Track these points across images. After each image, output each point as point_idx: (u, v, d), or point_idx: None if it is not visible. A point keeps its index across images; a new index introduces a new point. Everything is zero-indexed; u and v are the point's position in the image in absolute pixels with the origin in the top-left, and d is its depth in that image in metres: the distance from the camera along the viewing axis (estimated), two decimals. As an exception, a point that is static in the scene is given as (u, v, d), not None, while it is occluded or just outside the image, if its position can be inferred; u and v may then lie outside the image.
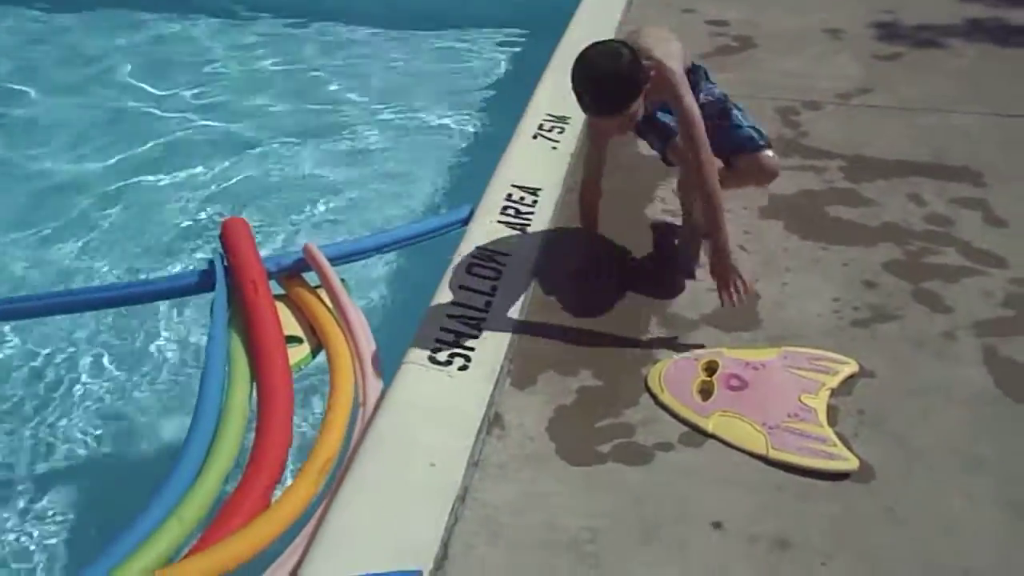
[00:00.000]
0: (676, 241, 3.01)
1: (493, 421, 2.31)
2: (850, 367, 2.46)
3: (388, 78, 5.69)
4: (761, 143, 2.67)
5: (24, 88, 5.49)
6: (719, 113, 2.67)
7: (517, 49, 6.01)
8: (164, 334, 3.51)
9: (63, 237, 4.12)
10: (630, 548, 1.97)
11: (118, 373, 3.34)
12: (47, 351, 3.41)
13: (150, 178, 4.60)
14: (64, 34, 6.21)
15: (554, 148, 3.50)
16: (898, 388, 2.41)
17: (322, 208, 4.33)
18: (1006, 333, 2.61)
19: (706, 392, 2.37)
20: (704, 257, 2.65)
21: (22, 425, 3.09)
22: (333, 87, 5.57)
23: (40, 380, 3.30)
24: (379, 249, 3.18)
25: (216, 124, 5.14)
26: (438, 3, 6.34)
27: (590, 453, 2.22)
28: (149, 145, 4.88)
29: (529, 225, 3.03)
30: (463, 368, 2.43)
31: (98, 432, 3.09)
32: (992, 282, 2.82)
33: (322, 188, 4.49)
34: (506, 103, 4.85)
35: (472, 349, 2.49)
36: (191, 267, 3.74)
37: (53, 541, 2.70)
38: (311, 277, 2.97)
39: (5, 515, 2.77)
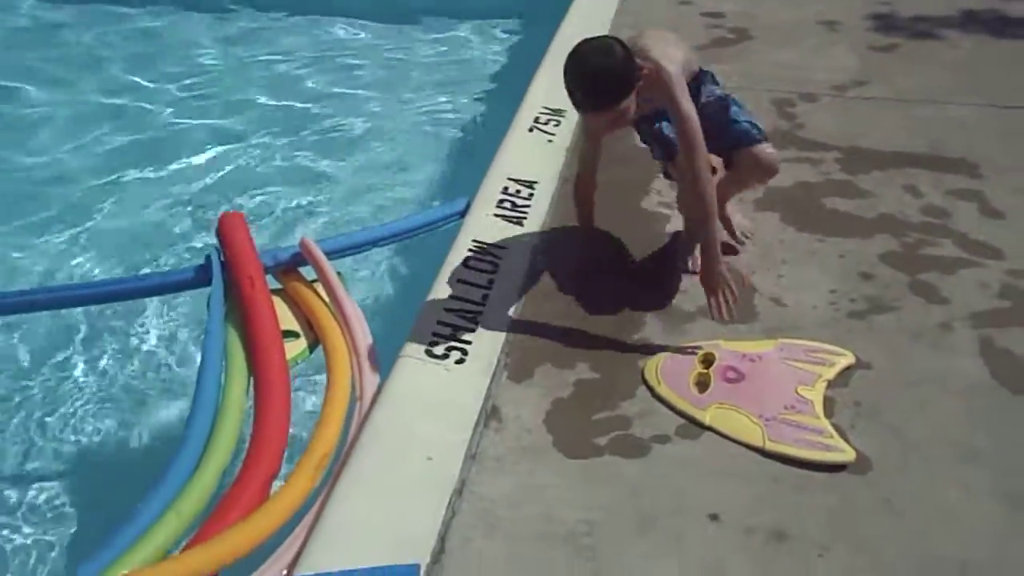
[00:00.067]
0: (677, 242, 3.00)
1: (490, 414, 2.31)
2: (847, 359, 2.46)
3: (386, 71, 5.68)
4: (758, 136, 2.66)
5: (16, 83, 5.47)
6: (718, 111, 2.66)
7: (513, 39, 5.99)
8: (164, 330, 3.51)
9: (57, 232, 4.11)
10: (627, 540, 1.97)
11: (115, 368, 3.34)
12: (42, 346, 3.41)
13: (147, 173, 4.60)
14: (58, 28, 6.19)
15: (550, 141, 3.50)
16: (895, 380, 2.42)
17: (318, 202, 4.32)
18: (1002, 324, 2.61)
19: (703, 384, 2.37)
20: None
21: (17, 421, 3.09)
22: (332, 82, 5.56)
23: (38, 376, 3.29)
24: (375, 243, 3.18)
25: (211, 118, 5.12)
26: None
27: (587, 446, 2.22)
28: (143, 139, 4.88)
29: (525, 218, 3.03)
30: (460, 361, 2.43)
31: (96, 427, 3.08)
32: (988, 273, 2.82)
33: (320, 183, 4.49)
34: (502, 95, 4.86)
35: (469, 342, 2.49)
36: (188, 262, 3.73)
37: (51, 536, 2.71)
38: (308, 271, 2.97)
39: (2, 512, 2.77)
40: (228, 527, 2.06)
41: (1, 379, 3.28)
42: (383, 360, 2.53)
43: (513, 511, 2.04)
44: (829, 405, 2.32)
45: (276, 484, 2.24)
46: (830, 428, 2.23)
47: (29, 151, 4.77)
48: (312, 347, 2.74)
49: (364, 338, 2.65)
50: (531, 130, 3.57)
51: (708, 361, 2.43)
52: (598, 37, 2.44)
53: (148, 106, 5.24)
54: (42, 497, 2.82)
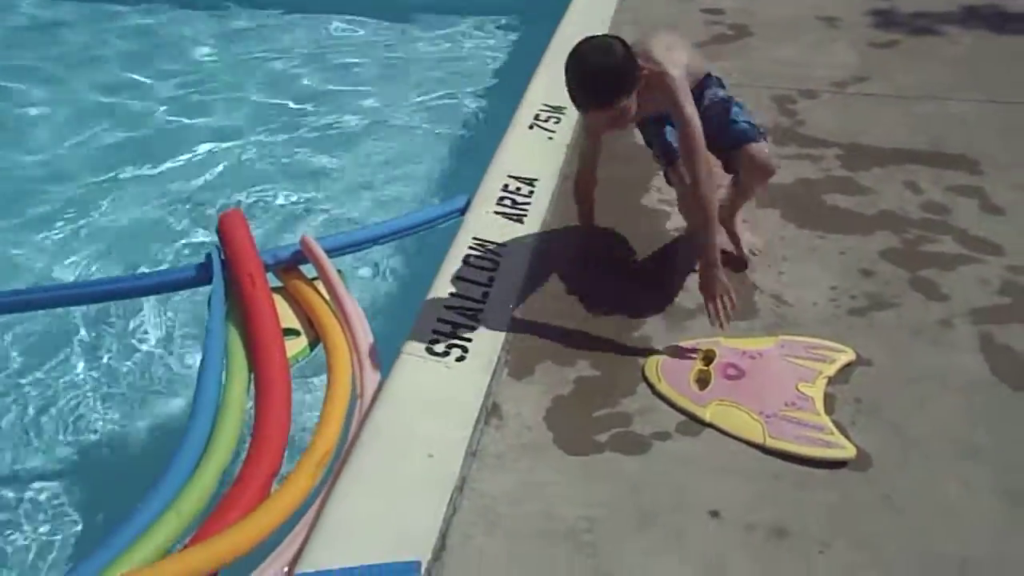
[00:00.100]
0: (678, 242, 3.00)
1: (491, 411, 2.31)
2: (847, 355, 2.46)
3: (385, 68, 5.68)
4: (753, 135, 2.64)
5: (13, 81, 5.47)
6: (720, 113, 2.65)
7: (513, 36, 5.99)
8: (164, 329, 3.52)
9: (57, 231, 4.11)
10: (627, 537, 1.97)
11: (115, 367, 3.34)
12: (42, 345, 3.41)
13: (147, 171, 4.59)
14: (55, 26, 6.19)
15: (550, 138, 3.50)
16: (895, 376, 2.42)
17: (318, 200, 4.32)
18: (1002, 320, 2.61)
19: (703, 381, 2.37)
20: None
21: (16, 420, 3.09)
22: (331, 79, 5.56)
23: (38, 376, 3.29)
24: (376, 240, 3.18)
25: (209, 115, 5.13)
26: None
27: (588, 443, 2.22)
28: (141, 137, 4.88)
29: (526, 215, 3.03)
30: (460, 359, 2.43)
31: (95, 427, 3.09)
32: (989, 270, 2.82)
33: (320, 180, 4.49)
34: (502, 92, 4.86)
35: (469, 340, 2.49)
36: (188, 259, 3.74)
37: (51, 535, 2.71)
38: (308, 269, 2.97)
39: (2, 511, 2.78)
40: (229, 526, 2.06)
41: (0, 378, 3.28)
42: (384, 358, 2.53)
43: (514, 508, 2.04)
44: (830, 402, 2.32)
45: (277, 482, 2.24)
46: (830, 425, 2.24)
47: (26, 149, 4.77)
48: (313, 345, 2.74)
49: (365, 336, 2.65)
50: (531, 127, 3.57)
51: (708, 358, 2.43)
52: (600, 36, 2.44)
53: (146, 104, 5.24)
54: (42, 496, 2.82)
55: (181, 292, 3.31)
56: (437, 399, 2.32)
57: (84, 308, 3.47)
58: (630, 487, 2.10)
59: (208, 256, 2.95)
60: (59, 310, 3.40)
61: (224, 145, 4.79)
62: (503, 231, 2.94)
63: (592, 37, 2.41)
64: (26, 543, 2.68)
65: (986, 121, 3.71)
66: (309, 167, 4.61)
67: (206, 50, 5.89)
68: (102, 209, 4.26)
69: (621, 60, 2.31)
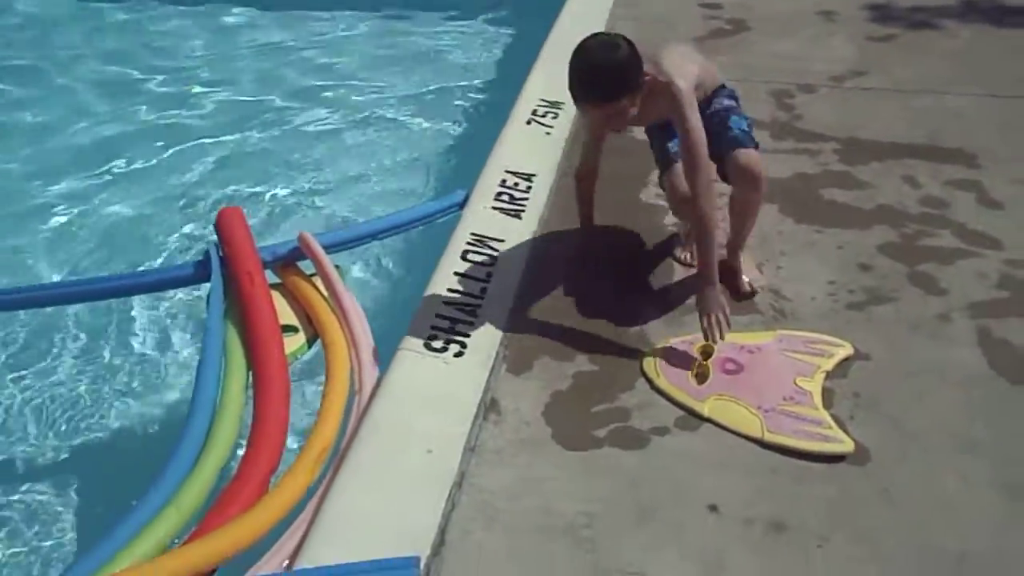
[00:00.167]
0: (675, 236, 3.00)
1: (489, 407, 2.31)
2: (845, 350, 2.46)
3: (382, 63, 5.67)
4: (744, 142, 2.58)
5: (9, 79, 5.46)
6: (721, 120, 2.62)
7: (511, 30, 5.98)
8: (163, 326, 3.51)
9: (56, 229, 4.11)
10: (626, 532, 1.97)
11: (115, 365, 3.34)
12: (43, 344, 3.41)
13: (146, 169, 4.59)
14: (49, 23, 6.18)
15: (548, 134, 3.50)
16: (893, 370, 2.42)
17: (316, 196, 4.32)
18: (1000, 314, 2.61)
19: (702, 376, 2.37)
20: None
21: (15, 418, 3.09)
22: (327, 74, 5.56)
23: (37, 372, 3.29)
24: (374, 236, 3.17)
25: (208, 114, 5.12)
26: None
27: (586, 438, 2.22)
28: (141, 136, 4.87)
29: (523, 211, 3.03)
30: (459, 354, 2.43)
31: (95, 424, 3.09)
32: (987, 264, 2.82)
33: (318, 176, 4.48)
34: (500, 86, 4.85)
35: (468, 335, 2.49)
36: (184, 257, 3.74)
37: (51, 531, 2.71)
38: (306, 265, 2.97)
39: (2, 510, 2.78)
40: (228, 521, 2.06)
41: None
42: (382, 353, 2.53)
43: (512, 503, 2.04)
44: (828, 396, 2.32)
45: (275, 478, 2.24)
46: (829, 419, 2.24)
47: (22, 148, 4.76)
48: (311, 342, 2.74)
49: (363, 332, 2.65)
50: (529, 123, 3.56)
51: (707, 353, 2.43)
52: (608, 33, 2.43)
53: (140, 100, 5.24)
54: (42, 493, 2.82)
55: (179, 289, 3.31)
56: (436, 395, 2.32)
57: (84, 306, 3.46)
58: (629, 482, 2.10)
59: (206, 253, 2.95)
60: (59, 308, 3.40)
61: (220, 141, 4.79)
62: (501, 226, 2.94)
63: (600, 34, 2.41)
64: (26, 541, 2.68)
65: (984, 115, 3.71)
66: (307, 163, 4.61)
67: (202, 47, 5.88)
68: (100, 208, 4.26)
69: (624, 59, 2.31)
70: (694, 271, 2.60)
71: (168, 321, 3.52)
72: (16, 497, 2.81)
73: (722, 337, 2.42)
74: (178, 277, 3.07)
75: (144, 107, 5.17)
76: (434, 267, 2.75)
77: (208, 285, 2.87)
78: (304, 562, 1.88)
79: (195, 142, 4.79)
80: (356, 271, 3.60)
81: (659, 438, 2.22)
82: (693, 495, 2.06)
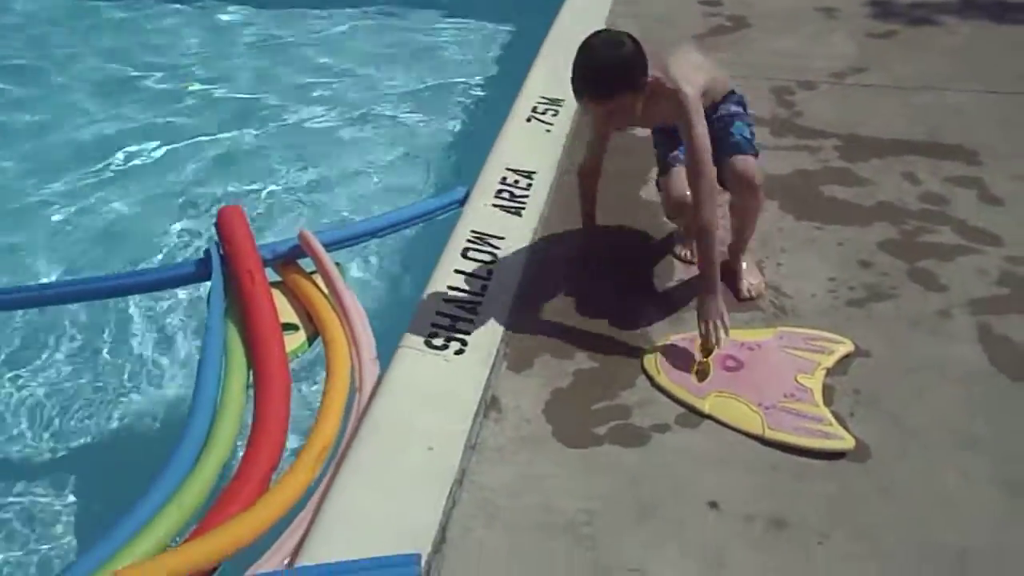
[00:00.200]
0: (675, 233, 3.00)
1: (490, 404, 2.31)
2: (846, 347, 2.47)
3: (382, 60, 5.66)
4: (744, 148, 2.58)
5: (5, 77, 5.46)
6: (724, 126, 2.61)
7: (511, 28, 5.97)
8: (163, 324, 3.51)
9: (55, 229, 4.10)
10: (627, 529, 1.98)
11: (115, 363, 3.34)
12: (42, 343, 3.41)
13: (145, 167, 4.58)
14: (46, 21, 6.18)
15: (548, 131, 3.50)
16: (893, 367, 2.42)
17: (315, 194, 4.31)
18: (1001, 311, 2.61)
19: (702, 373, 2.37)
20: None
21: (15, 416, 3.09)
22: (327, 71, 5.54)
23: (37, 371, 3.29)
24: (374, 234, 3.17)
25: (205, 112, 5.10)
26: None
27: (587, 435, 2.22)
28: (139, 135, 4.85)
29: (524, 208, 3.03)
30: (459, 352, 2.43)
31: (95, 422, 3.09)
32: (987, 260, 2.82)
33: (318, 174, 4.47)
34: (501, 83, 4.84)
35: (468, 333, 2.49)
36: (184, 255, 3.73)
37: (52, 529, 2.71)
38: (307, 263, 2.97)
39: (2, 509, 2.78)
40: (229, 519, 2.06)
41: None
42: (382, 351, 2.53)
43: (513, 501, 2.04)
44: (828, 393, 2.32)
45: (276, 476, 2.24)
46: (829, 416, 2.24)
47: (19, 146, 4.74)
48: (311, 339, 2.74)
49: (363, 329, 2.65)
50: (529, 120, 3.56)
51: (708, 350, 2.43)
52: (613, 31, 2.42)
53: (142, 99, 5.21)
54: (42, 491, 2.82)
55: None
56: (436, 392, 2.32)
57: (83, 305, 3.46)
58: (629, 479, 2.10)
59: (207, 252, 2.94)
60: (58, 307, 3.39)
61: (219, 139, 4.77)
62: (502, 224, 2.94)
63: (606, 30, 2.42)
64: (27, 539, 2.68)
65: (985, 111, 3.71)
66: (307, 161, 4.59)
67: (201, 45, 5.87)
68: (99, 206, 4.24)
69: (627, 57, 2.30)
70: (695, 268, 2.59)
71: (168, 319, 3.51)
72: (16, 497, 2.81)
73: (719, 344, 2.42)
74: (178, 276, 3.07)
75: (142, 105, 5.15)
76: (434, 265, 2.75)
77: (208, 283, 2.87)
78: (305, 560, 1.88)
79: (194, 140, 4.77)
80: (356, 269, 3.60)
81: (660, 435, 2.22)
82: (693, 492, 2.06)
